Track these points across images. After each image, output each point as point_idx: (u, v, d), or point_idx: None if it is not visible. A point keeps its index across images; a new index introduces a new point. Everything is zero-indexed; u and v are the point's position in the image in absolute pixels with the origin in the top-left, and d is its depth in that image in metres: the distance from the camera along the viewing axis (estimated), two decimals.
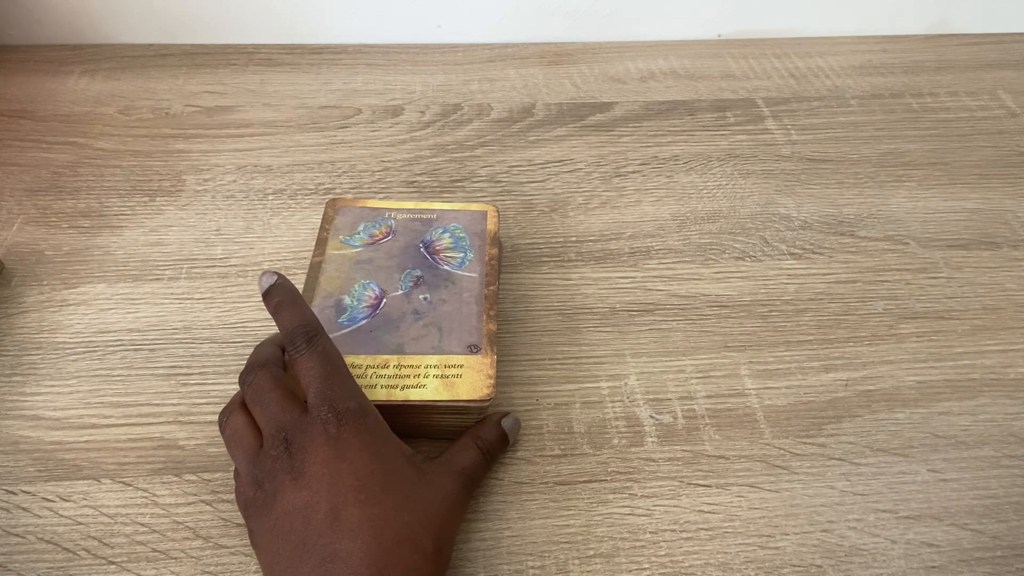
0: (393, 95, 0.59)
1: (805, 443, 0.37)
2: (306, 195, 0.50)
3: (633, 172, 0.53)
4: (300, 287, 0.36)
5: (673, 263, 0.46)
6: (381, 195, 0.50)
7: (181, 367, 0.39)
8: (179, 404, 0.38)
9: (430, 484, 0.30)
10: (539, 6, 0.64)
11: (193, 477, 0.35)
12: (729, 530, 0.34)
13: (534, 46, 0.65)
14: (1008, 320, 0.44)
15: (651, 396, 0.39)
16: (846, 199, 0.51)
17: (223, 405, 0.35)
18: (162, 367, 0.39)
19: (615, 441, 0.37)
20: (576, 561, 0.33)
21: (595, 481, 0.36)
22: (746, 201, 0.51)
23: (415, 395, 0.33)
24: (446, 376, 0.34)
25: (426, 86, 0.60)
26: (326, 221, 0.41)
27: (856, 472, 0.36)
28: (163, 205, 0.48)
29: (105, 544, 0.33)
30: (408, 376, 0.34)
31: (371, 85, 0.60)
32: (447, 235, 0.41)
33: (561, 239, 0.48)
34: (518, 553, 0.33)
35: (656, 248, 0.47)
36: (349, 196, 0.50)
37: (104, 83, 0.58)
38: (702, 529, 0.34)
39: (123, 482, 0.35)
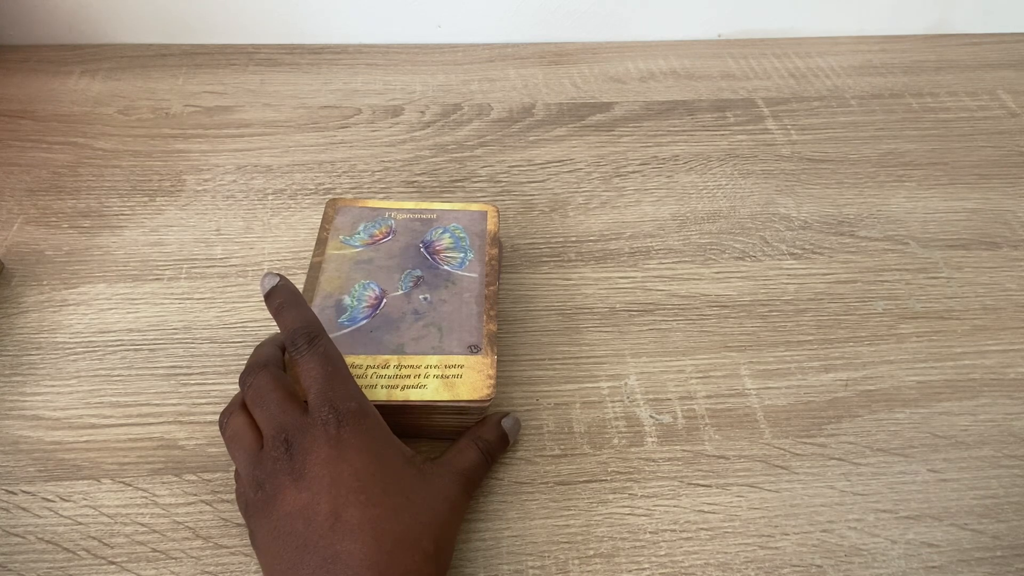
0: (393, 95, 0.59)
1: (805, 443, 0.37)
2: (306, 195, 0.50)
3: (633, 172, 0.53)
4: (300, 287, 0.36)
5: (673, 263, 0.46)
6: (381, 195, 0.50)
7: (181, 367, 0.39)
8: (179, 404, 0.38)
9: (430, 485, 0.30)
10: (539, 6, 0.64)
11: (193, 477, 0.35)
12: (729, 530, 0.34)
13: (534, 46, 0.65)
14: (1008, 320, 0.44)
15: (651, 396, 0.39)
16: (846, 199, 0.51)
17: (223, 405, 0.35)
18: (162, 367, 0.39)
19: (615, 441, 0.37)
20: (576, 561, 0.33)
21: (595, 481, 0.36)
22: (746, 201, 0.51)
23: (415, 395, 0.33)
24: (446, 376, 0.34)
25: (426, 86, 0.60)
26: (326, 221, 0.41)
27: (856, 472, 0.36)
28: (163, 205, 0.48)
29: (105, 544, 0.33)
30: (408, 376, 0.34)
31: (371, 85, 0.60)
32: (447, 235, 0.41)
33: (561, 239, 0.48)
34: (518, 553, 0.33)
35: (656, 248, 0.47)
36: (349, 196, 0.50)
37: (104, 83, 0.58)
38: (702, 529, 0.34)
39: (123, 482, 0.35)
